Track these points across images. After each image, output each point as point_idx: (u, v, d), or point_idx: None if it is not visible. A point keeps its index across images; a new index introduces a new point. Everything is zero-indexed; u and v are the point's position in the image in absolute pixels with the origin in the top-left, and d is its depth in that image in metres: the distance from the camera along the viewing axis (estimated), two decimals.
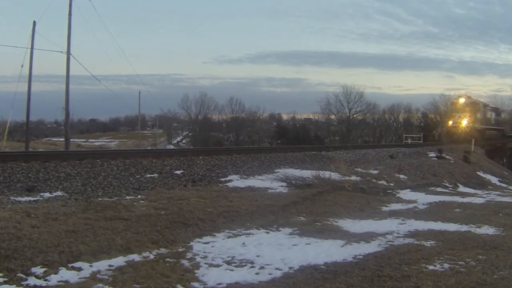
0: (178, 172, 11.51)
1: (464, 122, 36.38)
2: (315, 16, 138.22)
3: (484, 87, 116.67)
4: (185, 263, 5.62)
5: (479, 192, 16.27)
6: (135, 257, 5.66)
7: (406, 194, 13.39)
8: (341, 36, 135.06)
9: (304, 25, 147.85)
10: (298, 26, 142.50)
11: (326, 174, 13.02)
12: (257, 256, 6.04)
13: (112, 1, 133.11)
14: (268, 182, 11.80)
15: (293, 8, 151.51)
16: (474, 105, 38.04)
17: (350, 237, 7.32)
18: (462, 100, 38.49)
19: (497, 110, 47.68)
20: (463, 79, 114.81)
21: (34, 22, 26.00)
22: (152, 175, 10.87)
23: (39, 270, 4.88)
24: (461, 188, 16.92)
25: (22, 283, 4.56)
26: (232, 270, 5.50)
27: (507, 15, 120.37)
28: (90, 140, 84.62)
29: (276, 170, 13.21)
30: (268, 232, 7.54)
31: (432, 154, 22.48)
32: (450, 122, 38.09)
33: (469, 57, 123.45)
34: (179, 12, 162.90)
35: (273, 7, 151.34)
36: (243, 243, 6.68)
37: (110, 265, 5.28)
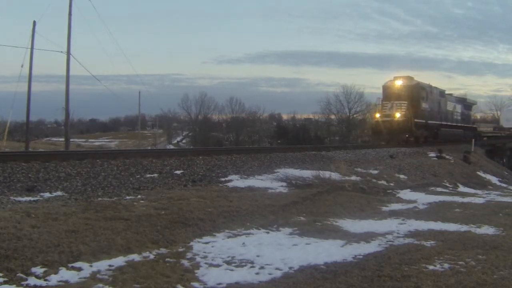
0: (178, 172, 11.50)
1: (398, 114, 24.81)
2: (314, 16, 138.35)
3: (483, 87, 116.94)
4: (185, 263, 5.62)
5: (479, 192, 16.26)
6: (135, 257, 5.66)
7: (406, 194, 13.38)
8: (339, 36, 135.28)
9: (303, 25, 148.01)
10: (297, 26, 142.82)
11: (326, 174, 13.02)
12: (257, 256, 6.04)
13: (112, 1, 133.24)
14: (268, 182, 11.80)
15: (291, 8, 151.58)
16: (417, 89, 25.81)
17: (350, 237, 7.32)
18: (398, 83, 26.01)
19: (464, 102, 35.40)
20: (462, 79, 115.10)
21: (34, 22, 26.08)
22: (152, 175, 10.86)
23: (39, 270, 4.88)
24: (461, 188, 16.92)
25: (22, 283, 4.57)
26: (232, 270, 5.50)
27: (506, 15, 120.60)
28: (90, 140, 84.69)
29: (276, 170, 13.21)
30: (268, 232, 7.54)
31: (432, 154, 22.46)
32: (378, 115, 26.18)
33: (468, 57, 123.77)
34: (179, 12, 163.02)
35: (272, 7, 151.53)
36: (243, 243, 6.68)
37: (110, 265, 5.29)
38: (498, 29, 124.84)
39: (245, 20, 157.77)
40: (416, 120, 25.26)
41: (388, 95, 26.40)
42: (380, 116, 26.00)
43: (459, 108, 33.31)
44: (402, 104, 25.07)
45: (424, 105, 26.50)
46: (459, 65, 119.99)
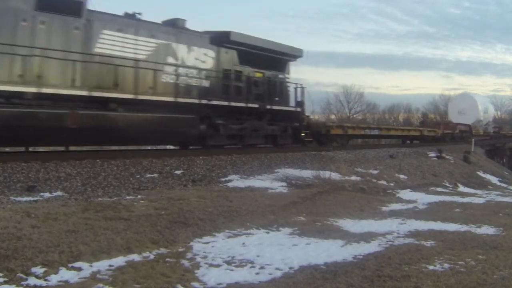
0: (178, 172, 11.51)
1: None
2: (310, 17, 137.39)
3: (482, 87, 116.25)
4: (185, 263, 5.62)
5: (479, 192, 16.26)
6: (135, 257, 5.66)
7: (406, 194, 13.39)
8: (336, 36, 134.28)
9: (299, 25, 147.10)
10: (294, 27, 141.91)
11: (326, 174, 13.02)
12: (257, 256, 6.04)
13: (112, 1, 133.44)
14: (268, 182, 11.80)
15: (288, 8, 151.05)
16: None
17: (350, 237, 7.32)
18: None
19: (225, 42, 14.65)
20: (461, 79, 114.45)
21: None
22: (152, 175, 10.86)
23: (39, 270, 4.88)
24: (461, 188, 16.92)
25: (22, 283, 4.57)
26: (232, 270, 5.50)
27: (503, 14, 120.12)
28: None
29: (276, 170, 13.21)
30: (268, 232, 7.54)
31: (432, 154, 22.47)
32: None
33: (465, 57, 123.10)
34: (178, 12, 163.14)
35: (268, 7, 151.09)
36: (243, 243, 6.68)
37: (110, 265, 5.28)
38: (495, 29, 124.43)
39: (242, 21, 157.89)
40: None
41: None
42: None
43: (189, 55, 13.55)
44: None
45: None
46: (457, 65, 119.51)
